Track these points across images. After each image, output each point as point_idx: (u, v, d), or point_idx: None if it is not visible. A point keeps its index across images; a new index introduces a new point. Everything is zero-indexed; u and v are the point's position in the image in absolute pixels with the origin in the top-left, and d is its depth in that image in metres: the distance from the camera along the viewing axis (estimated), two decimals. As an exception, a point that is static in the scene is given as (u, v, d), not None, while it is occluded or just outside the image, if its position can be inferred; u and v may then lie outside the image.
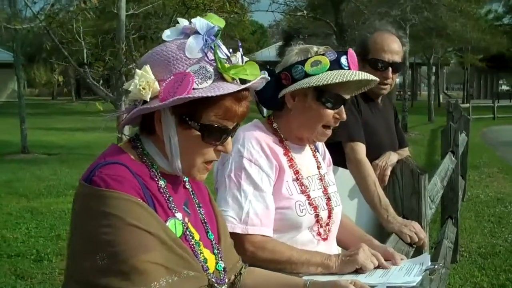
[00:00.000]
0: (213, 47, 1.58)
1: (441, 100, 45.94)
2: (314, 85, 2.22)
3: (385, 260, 2.22)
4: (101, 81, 7.47)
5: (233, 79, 1.58)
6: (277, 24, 41.82)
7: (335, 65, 2.25)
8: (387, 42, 3.25)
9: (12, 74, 32.46)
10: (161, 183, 1.63)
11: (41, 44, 27.05)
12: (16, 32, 15.89)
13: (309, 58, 2.27)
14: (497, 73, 61.14)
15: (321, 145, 2.62)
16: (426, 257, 2.27)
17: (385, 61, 3.22)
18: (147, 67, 1.59)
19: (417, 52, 35.91)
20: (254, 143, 2.27)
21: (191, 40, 1.59)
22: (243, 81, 1.60)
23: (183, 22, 1.64)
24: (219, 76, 1.57)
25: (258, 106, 2.40)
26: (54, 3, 8.95)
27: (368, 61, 3.22)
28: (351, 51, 2.31)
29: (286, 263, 2.16)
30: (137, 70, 1.59)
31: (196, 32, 1.60)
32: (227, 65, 1.58)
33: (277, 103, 2.36)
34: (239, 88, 1.57)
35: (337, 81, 2.20)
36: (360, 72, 2.28)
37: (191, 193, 1.78)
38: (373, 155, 3.14)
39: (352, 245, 2.49)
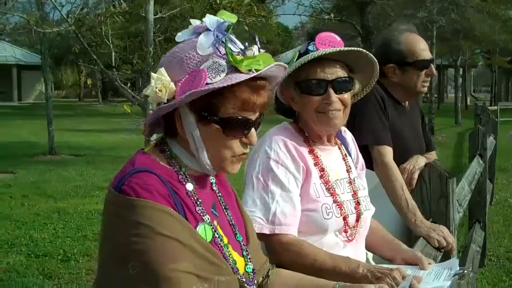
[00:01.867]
0: (224, 41, 1.58)
1: (468, 103, 45.42)
2: (282, 79, 2.26)
3: (413, 264, 2.22)
4: (128, 84, 7.53)
5: (249, 70, 1.58)
6: (302, 26, 41.81)
7: (304, 54, 2.29)
8: (419, 41, 3.27)
9: (39, 76, 32.87)
10: (189, 186, 1.63)
11: (68, 47, 27.32)
12: (44, 35, 16.06)
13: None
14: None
15: (354, 150, 2.62)
16: (454, 262, 2.26)
17: (427, 59, 3.25)
18: (162, 70, 1.61)
19: (444, 54, 35.57)
20: (281, 145, 2.29)
21: (201, 37, 1.60)
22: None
23: (195, 22, 1.65)
24: (233, 69, 1.57)
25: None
26: (83, 7, 9.04)
27: (412, 64, 3.21)
28: (320, 35, 2.31)
29: (310, 267, 2.15)
30: (152, 74, 1.61)
31: (207, 30, 1.61)
32: (239, 57, 1.58)
33: (293, 111, 2.41)
34: (250, 76, 1.56)
35: (293, 68, 2.24)
36: (322, 50, 2.26)
37: (218, 195, 1.79)
38: (400, 159, 3.12)
39: (380, 249, 2.48)
